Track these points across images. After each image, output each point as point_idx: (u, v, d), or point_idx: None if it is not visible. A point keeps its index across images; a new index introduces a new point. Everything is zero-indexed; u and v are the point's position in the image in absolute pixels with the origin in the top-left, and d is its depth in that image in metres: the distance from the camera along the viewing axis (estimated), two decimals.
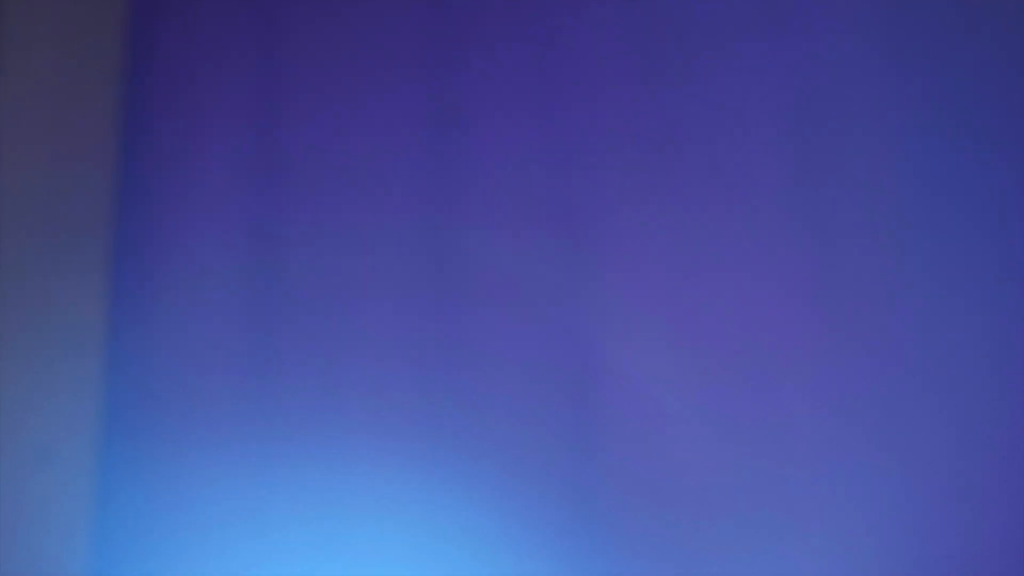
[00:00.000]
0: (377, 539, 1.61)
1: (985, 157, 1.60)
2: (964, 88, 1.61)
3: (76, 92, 1.83)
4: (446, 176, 1.69)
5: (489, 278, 1.66)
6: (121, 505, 1.66)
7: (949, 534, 1.59)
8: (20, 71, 1.81)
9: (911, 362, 1.63)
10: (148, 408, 1.67)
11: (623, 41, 1.66)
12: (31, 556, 1.69)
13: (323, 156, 1.71)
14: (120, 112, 1.82)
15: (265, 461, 1.62)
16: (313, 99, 1.73)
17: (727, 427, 1.64)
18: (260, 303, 1.68)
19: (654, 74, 1.65)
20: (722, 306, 1.65)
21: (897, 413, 1.63)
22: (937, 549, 1.59)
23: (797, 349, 1.65)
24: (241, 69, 1.75)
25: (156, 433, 1.66)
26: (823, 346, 1.65)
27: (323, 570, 1.60)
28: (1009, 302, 1.65)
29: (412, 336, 1.65)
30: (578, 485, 1.63)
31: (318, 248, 1.69)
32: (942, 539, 1.59)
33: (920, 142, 1.62)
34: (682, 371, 1.65)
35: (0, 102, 1.79)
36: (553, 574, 1.59)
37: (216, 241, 1.71)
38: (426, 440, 1.63)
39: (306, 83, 1.73)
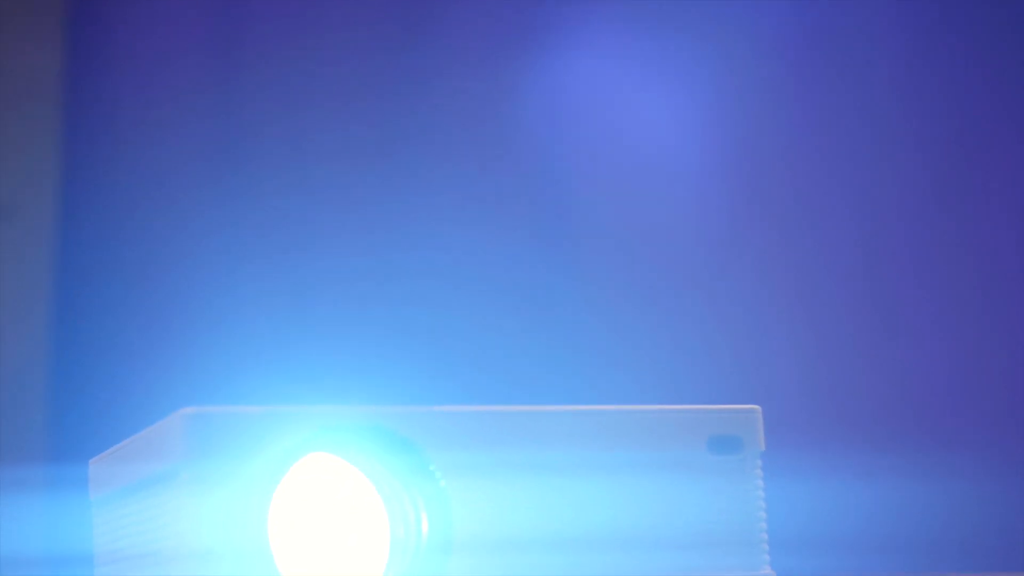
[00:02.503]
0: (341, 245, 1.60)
1: None
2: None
3: None
4: None
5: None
6: (86, 258, 1.65)
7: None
8: None
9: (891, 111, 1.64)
10: (112, 158, 1.66)
11: None
12: None
13: None
14: None
15: (232, 196, 1.61)
16: None
17: (707, 172, 1.64)
18: (225, 50, 1.66)
19: None
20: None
21: (867, 162, 1.64)
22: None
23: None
24: None
25: (121, 184, 1.65)
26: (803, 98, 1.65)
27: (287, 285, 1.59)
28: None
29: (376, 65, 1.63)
30: (545, 222, 1.63)
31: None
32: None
33: None
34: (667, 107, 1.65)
35: None
36: (519, 309, 1.59)
37: None
38: (392, 169, 1.62)
39: None
